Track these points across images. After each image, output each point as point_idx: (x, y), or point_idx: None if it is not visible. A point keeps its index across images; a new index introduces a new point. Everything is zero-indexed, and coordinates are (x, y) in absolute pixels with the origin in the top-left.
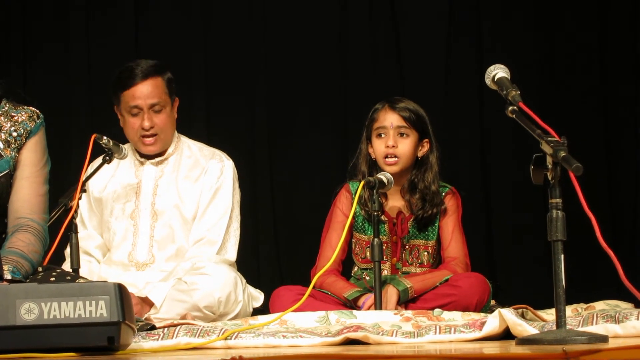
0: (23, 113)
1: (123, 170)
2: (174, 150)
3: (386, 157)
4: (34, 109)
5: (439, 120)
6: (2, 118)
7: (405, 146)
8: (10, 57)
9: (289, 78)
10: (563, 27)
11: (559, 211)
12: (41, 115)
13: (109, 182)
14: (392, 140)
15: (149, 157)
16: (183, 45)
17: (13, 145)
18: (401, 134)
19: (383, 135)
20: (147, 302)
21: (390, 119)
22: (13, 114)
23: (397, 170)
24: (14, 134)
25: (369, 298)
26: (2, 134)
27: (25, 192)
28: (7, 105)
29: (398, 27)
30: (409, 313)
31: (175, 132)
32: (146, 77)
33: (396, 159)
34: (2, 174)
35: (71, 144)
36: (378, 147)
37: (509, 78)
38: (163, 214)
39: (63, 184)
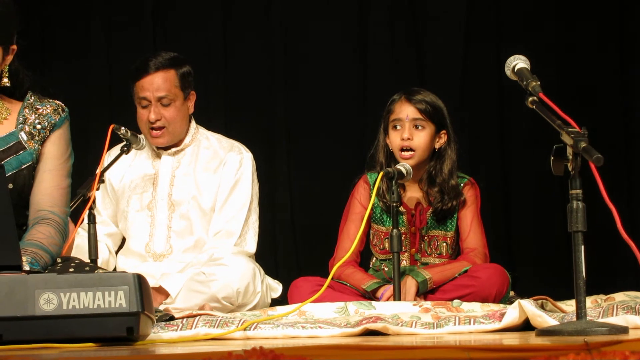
0: (48, 106)
1: (140, 160)
2: (191, 141)
3: (402, 149)
4: (59, 102)
5: (457, 110)
6: (27, 110)
7: (420, 138)
8: (30, 46)
9: (307, 69)
10: (583, 17)
11: (579, 202)
12: (66, 109)
13: (126, 172)
14: (408, 132)
15: (165, 147)
16: (202, 41)
17: (37, 138)
18: (417, 126)
19: (399, 127)
20: (161, 292)
21: (406, 111)
22: (38, 106)
23: (412, 163)
24: (38, 126)
25: (387, 289)
26: (27, 126)
27: (47, 185)
28: (33, 97)
29: (417, 17)
30: (428, 304)
31: (193, 123)
32: (157, 69)
33: (412, 152)
34: (25, 166)
35: (89, 134)
36: (394, 139)
37: (529, 69)
38: (180, 205)
39: (80, 174)
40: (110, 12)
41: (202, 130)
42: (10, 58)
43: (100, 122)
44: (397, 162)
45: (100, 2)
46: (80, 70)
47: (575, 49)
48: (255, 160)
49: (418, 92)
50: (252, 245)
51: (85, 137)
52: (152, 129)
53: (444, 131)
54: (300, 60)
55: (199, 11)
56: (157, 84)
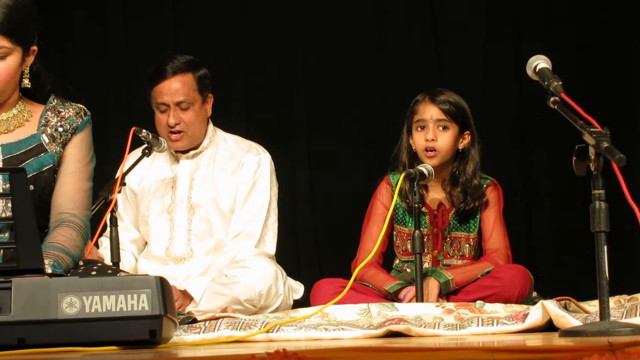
0: (70, 109)
1: (159, 164)
2: (209, 144)
3: (426, 150)
4: (81, 106)
5: (477, 111)
6: (49, 113)
7: (444, 139)
8: (49, 45)
9: (326, 69)
10: (604, 16)
11: (602, 202)
12: (88, 113)
13: (145, 176)
14: (432, 133)
15: (183, 151)
16: (221, 39)
17: (58, 140)
18: (441, 127)
19: (423, 128)
20: (187, 296)
21: (430, 112)
22: (60, 109)
23: (436, 163)
24: (60, 129)
25: (410, 291)
26: (48, 129)
27: (69, 188)
28: (55, 100)
29: (436, 16)
30: (450, 305)
31: (211, 125)
32: (175, 73)
33: (435, 152)
34: (46, 168)
35: (109, 136)
36: (418, 140)
37: (551, 69)
38: (200, 207)
39: (101, 177)
40: (128, 15)
41: (219, 132)
42: (30, 59)
43: (120, 125)
44: (420, 162)
45: (118, 3)
46: (99, 72)
47: (597, 48)
48: (276, 161)
49: (442, 93)
50: (271, 246)
51: (105, 139)
52: (172, 132)
53: (467, 132)
54: (320, 60)
55: (217, 11)
56: (175, 88)
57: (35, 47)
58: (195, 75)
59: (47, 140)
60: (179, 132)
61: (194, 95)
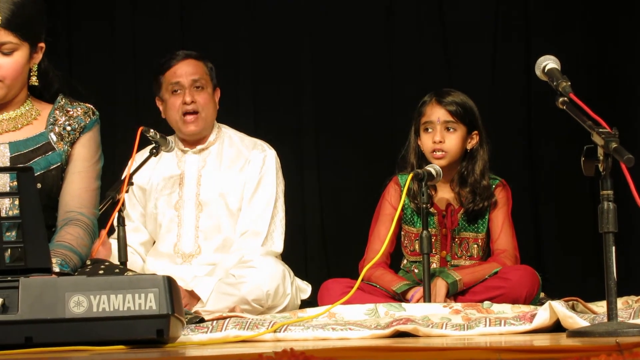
0: (79, 109)
1: (165, 161)
2: (216, 139)
3: (434, 151)
4: (90, 105)
5: (485, 110)
6: (57, 112)
7: (452, 141)
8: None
9: (335, 68)
10: (613, 16)
11: (610, 203)
12: (97, 112)
13: (152, 174)
14: (439, 135)
15: (191, 144)
16: (229, 37)
17: (66, 139)
18: (448, 129)
19: (430, 130)
20: (194, 296)
21: (437, 114)
22: (69, 109)
23: (444, 164)
24: (68, 128)
25: (417, 291)
26: (56, 128)
27: (76, 187)
28: (64, 100)
29: (445, 15)
30: (458, 305)
31: (216, 122)
32: (187, 57)
33: (443, 153)
34: (54, 166)
35: (116, 136)
36: (426, 142)
37: (559, 69)
38: (208, 204)
39: (108, 176)
40: (136, 13)
41: (224, 128)
42: (38, 56)
43: (127, 124)
44: (428, 163)
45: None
46: (107, 71)
47: (607, 49)
48: (284, 161)
49: (448, 94)
50: (279, 244)
51: (112, 139)
52: (186, 114)
53: (475, 132)
54: (329, 59)
55: (225, 9)
56: (189, 69)
57: (42, 44)
58: (205, 63)
59: (55, 139)
60: (193, 112)
61: (207, 78)
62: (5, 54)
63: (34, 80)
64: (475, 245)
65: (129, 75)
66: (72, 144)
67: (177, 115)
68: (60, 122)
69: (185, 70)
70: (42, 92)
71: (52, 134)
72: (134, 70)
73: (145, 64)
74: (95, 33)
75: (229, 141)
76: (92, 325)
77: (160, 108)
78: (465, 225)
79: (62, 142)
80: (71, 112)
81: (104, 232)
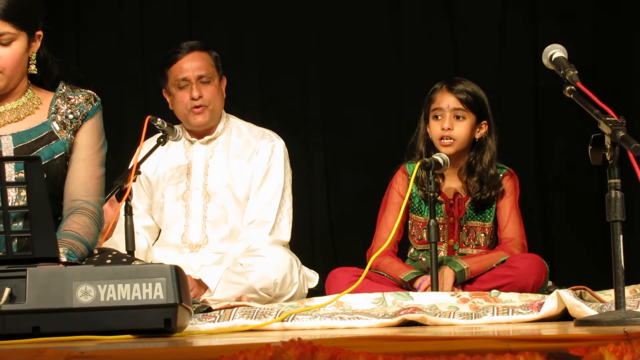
0: (80, 96)
1: (173, 151)
2: (223, 129)
3: (442, 138)
4: (91, 92)
5: (493, 99)
6: (59, 100)
7: (461, 129)
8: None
9: (342, 58)
10: (622, 4)
11: (617, 191)
12: (98, 99)
13: (159, 163)
14: (448, 122)
15: (199, 135)
16: (236, 29)
17: (69, 128)
18: (457, 117)
19: (439, 117)
20: (202, 285)
21: (446, 101)
22: (70, 96)
23: (452, 152)
24: (70, 116)
25: (425, 280)
26: (59, 116)
27: (81, 175)
28: (65, 87)
29: (452, 5)
30: (465, 294)
31: (224, 111)
32: (192, 50)
33: (451, 141)
34: (58, 155)
35: (123, 125)
36: (434, 129)
37: (567, 58)
38: (215, 194)
39: (115, 165)
40: (144, 1)
41: (232, 118)
42: (36, 45)
43: (135, 114)
44: (437, 150)
45: None
46: (115, 60)
47: (614, 40)
48: (291, 151)
49: (459, 82)
50: (286, 233)
51: (120, 128)
52: (194, 107)
53: (484, 121)
54: (336, 51)
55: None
56: (195, 63)
57: (40, 32)
58: (211, 54)
59: (57, 127)
60: (201, 105)
61: (213, 71)
62: (3, 45)
63: (33, 68)
64: (483, 234)
65: (137, 64)
66: (75, 132)
67: (185, 109)
68: (62, 111)
69: (191, 65)
70: (42, 80)
71: (54, 123)
72: (141, 58)
73: (153, 53)
74: (102, 21)
75: (237, 131)
76: (99, 314)
77: (168, 100)
78: (473, 214)
79: (65, 131)
80: (73, 100)
81: (109, 228)
